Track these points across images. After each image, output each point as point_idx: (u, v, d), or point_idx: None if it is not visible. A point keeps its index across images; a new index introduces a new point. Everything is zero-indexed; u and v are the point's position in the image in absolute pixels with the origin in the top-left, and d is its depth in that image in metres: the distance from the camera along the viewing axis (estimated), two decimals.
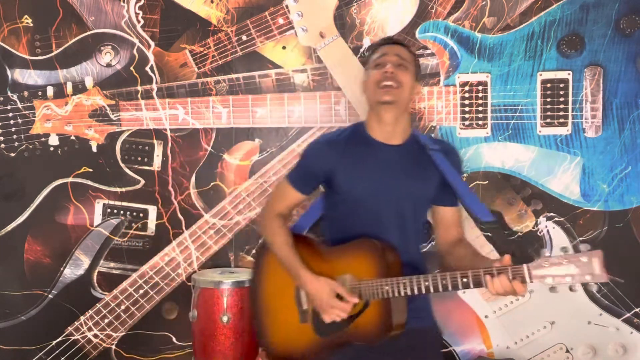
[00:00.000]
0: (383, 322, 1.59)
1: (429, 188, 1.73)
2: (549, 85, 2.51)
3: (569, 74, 2.51)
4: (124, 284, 2.61)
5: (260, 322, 1.84)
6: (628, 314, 2.55)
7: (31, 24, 2.57)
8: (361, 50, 2.53)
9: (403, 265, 1.65)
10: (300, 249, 1.73)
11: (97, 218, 2.61)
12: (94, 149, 2.59)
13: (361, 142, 1.73)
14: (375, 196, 1.69)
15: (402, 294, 1.56)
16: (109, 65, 2.58)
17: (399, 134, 1.73)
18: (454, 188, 1.73)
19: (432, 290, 1.55)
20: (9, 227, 2.61)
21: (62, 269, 2.62)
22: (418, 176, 1.72)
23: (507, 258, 1.55)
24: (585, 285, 2.55)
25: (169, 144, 2.59)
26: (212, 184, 2.60)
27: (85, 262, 2.62)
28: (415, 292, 1.56)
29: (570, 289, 2.56)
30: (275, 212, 1.82)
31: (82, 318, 2.62)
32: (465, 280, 1.51)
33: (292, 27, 2.54)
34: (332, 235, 1.78)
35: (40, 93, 2.58)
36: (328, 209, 1.83)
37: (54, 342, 2.63)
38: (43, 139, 2.60)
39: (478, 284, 1.51)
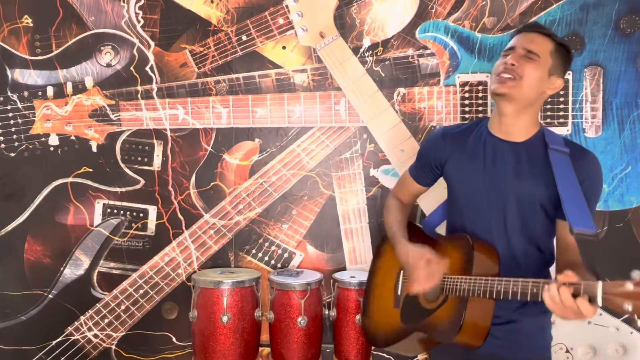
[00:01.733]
0: (452, 321, 1.52)
1: (537, 189, 1.58)
2: None
3: (569, 74, 2.51)
4: (124, 284, 2.61)
5: (366, 301, 1.98)
6: (628, 314, 2.55)
7: (31, 24, 2.56)
8: (361, 50, 2.53)
9: (500, 268, 1.53)
10: (408, 233, 1.79)
11: (97, 218, 2.61)
12: (94, 149, 2.59)
13: (478, 136, 1.68)
14: (479, 192, 1.64)
15: (477, 294, 1.45)
16: (109, 65, 2.58)
17: (521, 130, 1.63)
18: (559, 191, 1.53)
19: (502, 296, 1.40)
20: (9, 227, 2.61)
21: (62, 269, 2.62)
22: (526, 175, 1.60)
23: (569, 273, 1.31)
24: None
25: (169, 144, 2.59)
26: (212, 184, 2.60)
27: (85, 262, 2.62)
28: (487, 294, 1.42)
29: None
30: (395, 197, 1.94)
31: (82, 318, 2.62)
32: (534, 290, 1.33)
33: (292, 27, 2.54)
34: (447, 228, 1.83)
35: (40, 93, 2.58)
36: (447, 202, 1.85)
37: (54, 342, 2.63)
38: (43, 139, 2.60)
39: (534, 295, 1.33)
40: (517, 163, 1.61)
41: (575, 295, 1.26)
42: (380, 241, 2.10)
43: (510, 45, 1.63)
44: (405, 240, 1.73)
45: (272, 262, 2.62)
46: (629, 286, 1.18)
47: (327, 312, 2.41)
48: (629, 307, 1.17)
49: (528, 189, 1.60)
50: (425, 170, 1.82)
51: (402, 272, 1.85)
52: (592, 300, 1.24)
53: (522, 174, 1.60)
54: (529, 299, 1.35)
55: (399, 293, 1.82)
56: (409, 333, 1.68)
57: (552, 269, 1.72)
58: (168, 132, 2.58)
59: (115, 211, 2.61)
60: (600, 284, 1.22)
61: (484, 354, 1.57)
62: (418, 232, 1.89)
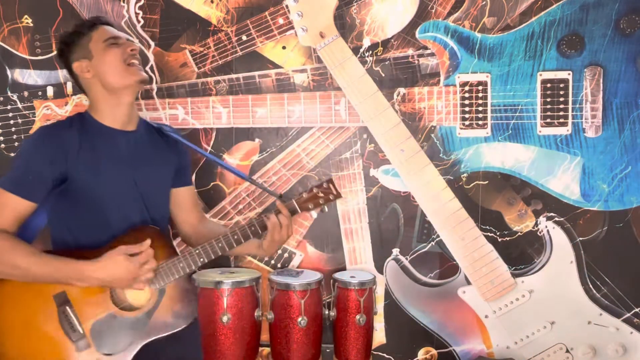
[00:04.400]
0: (187, 305, 1.56)
1: (168, 170, 1.69)
2: (549, 85, 2.51)
3: (569, 74, 2.51)
4: None
5: None
6: (628, 314, 2.55)
7: (31, 24, 2.56)
8: (361, 50, 2.53)
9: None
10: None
11: None
12: None
13: (94, 130, 1.58)
14: (117, 189, 1.56)
15: (200, 263, 1.56)
16: None
17: (133, 118, 1.64)
18: (205, 155, 1.85)
19: (220, 252, 1.58)
20: None
21: None
22: (159, 159, 1.67)
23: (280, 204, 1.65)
24: (585, 286, 2.55)
25: None
26: (212, 184, 2.60)
27: None
28: (212, 256, 1.57)
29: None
30: None
31: None
32: (252, 228, 1.60)
33: (292, 27, 2.54)
34: (65, 242, 1.57)
35: (40, 93, 2.58)
36: (61, 214, 1.58)
37: None
38: None
39: (263, 226, 1.60)
40: (140, 150, 1.65)
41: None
42: None
43: (111, 35, 1.60)
44: (81, 262, 1.43)
45: (272, 262, 2.62)
46: (305, 195, 1.65)
47: (327, 312, 2.41)
48: (311, 206, 1.65)
49: (158, 173, 1.69)
50: (38, 182, 1.51)
51: (67, 307, 1.47)
52: (293, 212, 1.63)
53: (148, 160, 1.66)
54: (258, 233, 1.61)
55: (80, 331, 1.45)
56: (131, 352, 1.49)
57: None
58: None
59: None
60: (293, 200, 1.64)
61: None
62: (65, 255, 1.48)
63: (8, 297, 1.46)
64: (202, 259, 1.57)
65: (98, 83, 1.59)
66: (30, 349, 1.45)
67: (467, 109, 2.54)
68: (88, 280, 1.44)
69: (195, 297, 1.67)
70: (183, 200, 1.77)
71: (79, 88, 1.65)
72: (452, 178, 2.55)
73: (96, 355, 1.47)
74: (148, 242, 1.49)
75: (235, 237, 1.59)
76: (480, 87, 2.52)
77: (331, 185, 1.67)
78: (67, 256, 1.46)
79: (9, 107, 2.59)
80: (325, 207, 1.67)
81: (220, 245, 1.59)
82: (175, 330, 1.54)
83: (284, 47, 2.56)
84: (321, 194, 1.65)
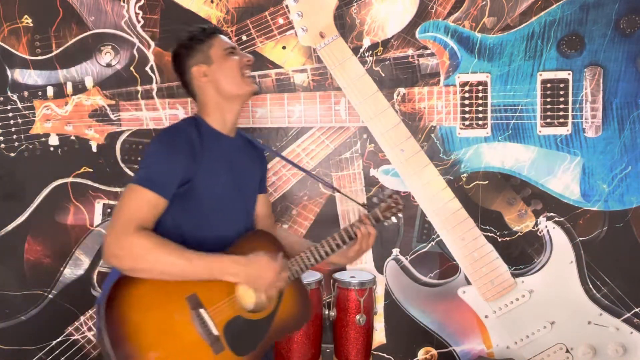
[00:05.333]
0: (304, 305, 1.64)
1: (257, 177, 1.80)
2: (549, 85, 2.51)
3: (569, 74, 2.51)
4: None
5: None
6: (628, 314, 2.55)
7: (31, 24, 2.56)
8: (361, 50, 2.53)
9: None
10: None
11: (97, 218, 2.61)
12: (94, 149, 2.59)
13: (208, 134, 1.61)
14: (226, 195, 1.63)
15: (309, 266, 1.63)
16: (109, 65, 2.58)
17: (235, 126, 1.74)
18: (290, 163, 1.96)
19: (330, 253, 1.66)
20: (9, 227, 2.61)
21: (62, 269, 2.62)
22: (252, 166, 1.77)
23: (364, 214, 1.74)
24: (585, 286, 2.55)
25: None
26: None
27: (85, 262, 2.62)
28: (319, 260, 1.64)
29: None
30: (142, 228, 1.43)
31: (82, 318, 2.62)
32: (347, 235, 1.67)
33: (292, 27, 2.54)
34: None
35: (40, 93, 2.58)
36: (172, 218, 1.53)
37: (54, 342, 2.63)
38: (43, 139, 2.60)
39: (353, 235, 1.69)
40: (241, 157, 1.73)
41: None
42: (116, 294, 1.40)
43: (230, 44, 1.68)
44: (227, 257, 1.46)
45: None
46: (383, 205, 1.75)
47: (327, 312, 2.41)
48: (389, 215, 1.76)
49: (253, 180, 1.79)
50: (175, 180, 1.53)
51: (202, 309, 1.46)
52: (377, 221, 1.73)
53: (246, 167, 1.74)
54: (347, 243, 1.68)
55: (215, 333, 1.45)
56: (259, 354, 1.54)
57: None
58: None
59: None
60: (377, 210, 1.74)
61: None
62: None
63: (143, 299, 1.41)
64: (310, 263, 1.64)
65: (212, 88, 1.64)
66: (167, 352, 1.41)
67: (467, 109, 2.54)
68: (238, 275, 1.47)
69: (309, 300, 1.73)
70: (262, 207, 1.83)
71: (185, 91, 1.70)
72: (452, 178, 2.55)
73: (232, 356, 1.48)
74: (281, 254, 1.56)
75: (336, 243, 1.67)
76: (480, 87, 2.52)
77: (398, 197, 1.78)
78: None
79: (9, 107, 2.59)
80: (395, 218, 1.77)
81: (324, 249, 1.66)
82: (293, 332, 1.64)
83: (284, 47, 2.56)
84: (393, 204, 1.76)
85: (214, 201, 1.56)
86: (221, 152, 1.61)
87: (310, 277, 2.40)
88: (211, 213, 1.56)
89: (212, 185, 1.55)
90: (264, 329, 1.55)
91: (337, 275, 2.46)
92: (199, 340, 1.44)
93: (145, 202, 1.44)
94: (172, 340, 1.42)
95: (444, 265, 2.58)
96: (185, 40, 1.67)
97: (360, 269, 2.59)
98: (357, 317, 2.33)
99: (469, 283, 2.56)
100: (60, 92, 2.58)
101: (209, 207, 1.56)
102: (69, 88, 2.58)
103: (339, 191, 1.94)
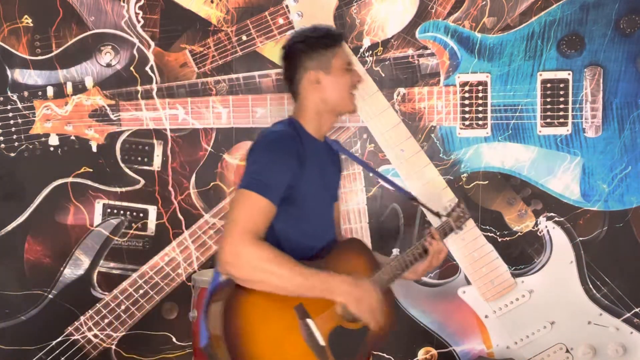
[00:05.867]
0: (391, 317, 1.57)
1: (339, 183, 1.75)
2: (549, 85, 2.51)
3: (569, 74, 2.51)
4: (124, 284, 2.61)
5: None
6: (628, 314, 2.55)
7: (31, 24, 2.56)
8: (361, 50, 2.53)
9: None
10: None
11: (97, 218, 2.61)
12: (94, 149, 2.59)
13: (307, 139, 1.58)
14: (320, 201, 1.62)
15: (398, 276, 1.60)
16: (109, 65, 2.58)
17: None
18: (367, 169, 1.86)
19: (412, 263, 1.62)
20: (9, 227, 2.61)
21: (62, 269, 2.62)
22: (337, 172, 1.73)
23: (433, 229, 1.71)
24: (585, 286, 2.55)
25: (169, 144, 2.59)
26: (212, 184, 2.60)
27: (85, 262, 2.62)
28: (406, 268, 1.62)
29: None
30: (258, 237, 1.42)
31: (82, 318, 2.62)
32: (419, 252, 1.64)
33: (292, 27, 2.54)
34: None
35: (40, 93, 2.58)
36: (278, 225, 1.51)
37: (54, 342, 2.63)
38: (43, 139, 2.59)
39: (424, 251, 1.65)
40: (328, 163, 1.68)
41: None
42: (229, 303, 1.39)
43: (349, 60, 1.61)
44: (339, 276, 1.43)
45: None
46: (452, 221, 1.75)
47: None
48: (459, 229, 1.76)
49: (337, 185, 1.74)
50: (283, 186, 1.48)
51: (309, 320, 1.44)
52: (450, 231, 1.74)
53: (332, 173, 1.71)
54: (418, 260, 1.64)
55: (321, 344, 1.43)
56: None
57: None
58: (168, 132, 2.58)
59: (115, 211, 2.61)
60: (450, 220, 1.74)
61: None
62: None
63: (258, 310, 1.41)
64: (397, 274, 1.61)
65: (319, 96, 1.59)
66: (275, 355, 1.40)
67: (467, 109, 2.54)
68: (347, 295, 1.42)
69: (395, 309, 1.69)
70: (335, 215, 1.74)
71: (288, 89, 1.64)
72: (452, 178, 2.55)
73: None
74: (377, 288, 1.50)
75: (409, 259, 1.63)
76: (480, 87, 2.52)
77: (463, 206, 1.79)
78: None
79: (9, 107, 2.59)
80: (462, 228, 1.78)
81: (404, 263, 1.62)
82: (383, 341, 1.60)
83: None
84: (462, 214, 1.76)
85: (311, 207, 1.54)
86: (317, 157, 1.56)
87: None
88: (308, 220, 1.54)
89: (312, 191, 1.52)
90: (361, 338, 1.53)
91: None
92: (307, 351, 1.43)
93: (258, 209, 1.41)
94: (283, 351, 1.41)
95: (444, 265, 2.58)
96: (312, 39, 1.58)
97: None
98: None
99: (469, 283, 2.56)
100: (60, 92, 2.58)
101: (307, 214, 1.53)
102: (69, 88, 2.58)
103: (416, 200, 1.87)
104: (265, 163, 1.46)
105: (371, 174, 1.98)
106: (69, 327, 2.62)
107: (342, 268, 1.50)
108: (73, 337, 2.63)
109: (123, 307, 2.61)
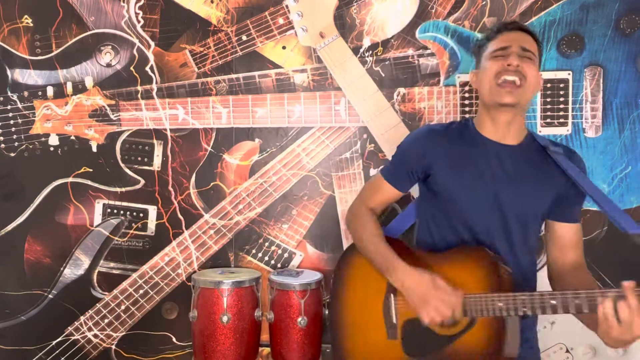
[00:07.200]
0: (492, 346, 1.37)
1: (540, 194, 1.51)
2: (549, 85, 2.51)
3: (569, 74, 2.51)
4: (124, 284, 2.61)
5: (339, 337, 1.60)
6: None
7: (31, 24, 2.57)
8: (361, 50, 2.53)
9: (513, 282, 1.45)
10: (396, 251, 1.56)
11: (97, 218, 2.62)
12: (94, 149, 2.59)
13: (469, 138, 1.55)
14: (478, 201, 1.50)
15: (520, 313, 1.34)
16: (109, 65, 2.58)
17: (514, 132, 1.54)
18: (589, 195, 1.48)
19: (560, 310, 1.32)
20: (9, 227, 2.61)
21: (62, 269, 2.62)
22: (535, 180, 1.51)
23: (629, 284, 1.22)
24: None
25: (169, 144, 2.59)
26: (212, 184, 2.60)
27: (85, 262, 2.62)
28: (538, 311, 1.34)
29: None
30: (366, 207, 1.69)
31: (82, 318, 2.62)
32: (592, 302, 1.26)
33: (292, 27, 2.54)
34: (423, 239, 1.60)
35: (40, 93, 2.58)
36: (424, 210, 1.64)
37: (54, 342, 2.63)
38: (43, 139, 2.60)
39: (592, 308, 1.27)
40: (521, 168, 1.52)
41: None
42: (344, 257, 1.74)
43: (502, 45, 1.50)
44: (402, 263, 1.48)
45: (272, 262, 2.62)
46: None
47: (327, 312, 2.41)
48: None
49: (531, 195, 1.51)
50: (406, 172, 1.62)
51: (393, 295, 1.55)
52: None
53: (529, 179, 1.51)
54: (584, 310, 1.27)
55: (393, 321, 1.53)
56: None
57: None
58: (168, 132, 2.58)
59: (115, 211, 2.62)
60: None
61: None
62: (400, 247, 1.61)
63: (364, 267, 1.61)
64: (525, 309, 1.35)
65: (479, 92, 1.57)
66: (357, 319, 1.61)
67: (467, 109, 2.53)
68: (395, 279, 1.50)
69: (502, 341, 1.39)
70: (556, 235, 1.56)
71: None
72: None
73: (399, 350, 1.51)
74: (459, 298, 1.39)
75: (577, 301, 1.34)
76: None
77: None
78: (411, 252, 1.58)
79: (9, 107, 2.59)
80: None
81: (557, 302, 1.34)
82: None
83: (284, 47, 2.56)
84: None
85: (455, 202, 1.54)
86: (480, 157, 1.52)
87: (311, 277, 2.40)
88: (453, 215, 1.56)
89: (452, 185, 1.54)
90: (441, 345, 1.45)
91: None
92: (381, 321, 1.55)
93: (380, 190, 1.69)
94: (363, 309, 1.59)
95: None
96: (482, 37, 1.61)
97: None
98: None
99: None
100: (60, 92, 2.58)
101: (450, 208, 1.57)
102: (69, 88, 2.58)
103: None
104: (398, 151, 1.75)
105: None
106: (69, 327, 2.62)
107: (448, 270, 1.46)
108: (73, 337, 2.63)
109: (123, 307, 2.62)
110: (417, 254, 1.56)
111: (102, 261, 2.62)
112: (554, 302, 1.31)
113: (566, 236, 1.56)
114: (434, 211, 1.60)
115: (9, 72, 2.58)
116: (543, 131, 2.52)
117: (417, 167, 1.58)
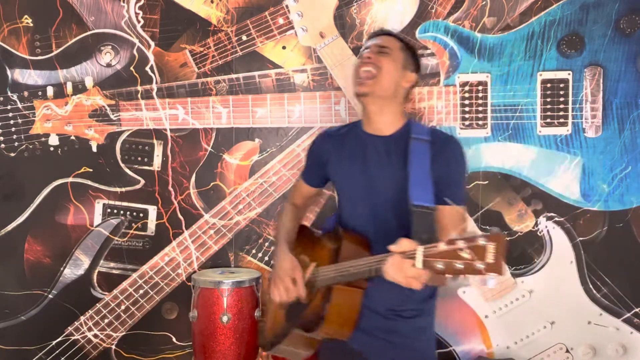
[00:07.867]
0: (319, 311, 1.58)
1: (404, 180, 1.57)
2: (549, 85, 2.51)
3: (569, 74, 2.51)
4: (124, 284, 2.61)
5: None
6: (628, 314, 2.55)
7: (31, 24, 2.56)
8: (361, 50, 2.53)
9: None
10: (297, 235, 1.84)
11: (97, 218, 2.61)
12: (94, 149, 2.59)
13: (354, 135, 1.74)
14: (356, 189, 1.69)
15: (337, 281, 1.53)
16: (109, 65, 2.58)
17: (387, 124, 1.67)
18: (408, 174, 1.57)
19: (352, 277, 1.49)
20: (9, 227, 2.61)
21: (62, 269, 2.62)
22: (391, 166, 1.63)
23: (402, 242, 1.34)
24: (585, 286, 2.55)
25: (169, 144, 2.59)
26: (212, 184, 2.60)
27: (85, 262, 2.62)
28: (344, 278, 1.52)
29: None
30: (289, 202, 1.96)
31: (82, 318, 2.62)
32: (378, 265, 1.40)
33: (292, 27, 2.54)
34: (343, 224, 1.78)
35: (40, 93, 2.58)
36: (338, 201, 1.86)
37: (54, 342, 2.63)
38: (43, 139, 2.60)
39: (378, 271, 1.40)
40: (386, 155, 1.66)
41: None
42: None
43: (365, 47, 1.73)
44: (284, 244, 1.75)
45: (272, 262, 2.61)
46: (442, 246, 1.19)
47: None
48: (440, 266, 1.18)
49: (394, 180, 1.61)
50: (313, 171, 1.86)
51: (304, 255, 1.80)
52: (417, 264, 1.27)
53: (389, 165, 1.65)
54: (374, 274, 1.43)
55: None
56: (288, 331, 1.70)
57: None
58: (168, 132, 2.58)
59: (115, 211, 2.61)
60: (419, 247, 1.25)
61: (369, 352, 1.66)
62: (304, 232, 1.89)
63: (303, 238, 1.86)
64: (339, 280, 1.54)
65: None
66: None
67: (467, 109, 2.54)
68: (274, 257, 1.76)
69: (326, 309, 1.57)
70: (442, 219, 1.60)
71: None
72: None
73: (282, 319, 1.76)
74: (300, 292, 1.63)
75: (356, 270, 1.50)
76: (480, 87, 2.52)
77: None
78: (309, 235, 1.87)
79: (9, 107, 2.59)
80: None
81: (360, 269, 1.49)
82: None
83: (284, 47, 2.56)
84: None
85: (340, 193, 1.79)
86: (356, 149, 1.71)
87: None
88: (340, 199, 1.80)
89: (336, 178, 1.78)
90: (298, 314, 1.67)
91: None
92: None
93: (298, 188, 1.94)
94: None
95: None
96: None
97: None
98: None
99: (469, 283, 2.56)
100: (60, 92, 2.58)
101: (338, 194, 1.81)
102: (69, 88, 2.58)
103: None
104: (306, 154, 1.94)
105: None
106: (69, 327, 2.62)
107: (313, 250, 1.77)
108: (73, 337, 2.63)
109: (123, 307, 2.62)
110: (309, 238, 1.84)
111: (102, 261, 2.62)
112: (350, 270, 1.51)
113: (442, 218, 1.60)
114: (339, 202, 1.82)
115: (9, 72, 2.58)
116: (543, 131, 2.53)
117: (318, 165, 1.81)
